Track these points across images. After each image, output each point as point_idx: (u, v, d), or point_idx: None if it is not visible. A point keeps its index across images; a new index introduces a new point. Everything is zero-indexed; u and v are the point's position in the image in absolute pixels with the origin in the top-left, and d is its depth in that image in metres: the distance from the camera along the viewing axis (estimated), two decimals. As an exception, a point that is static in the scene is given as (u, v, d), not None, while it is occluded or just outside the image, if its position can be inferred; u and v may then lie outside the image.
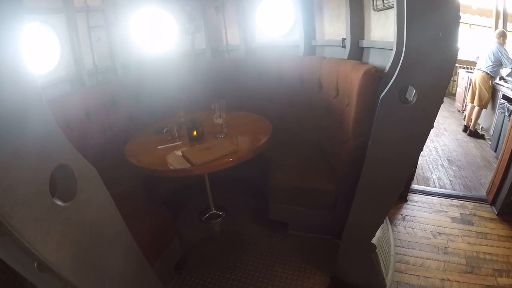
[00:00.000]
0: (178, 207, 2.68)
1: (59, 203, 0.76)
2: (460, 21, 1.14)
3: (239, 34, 3.14)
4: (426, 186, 2.84)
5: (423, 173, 3.11)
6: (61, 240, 0.77)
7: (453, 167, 3.20)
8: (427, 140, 3.82)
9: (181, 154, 1.85)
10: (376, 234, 1.78)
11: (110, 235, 0.98)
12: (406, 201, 2.62)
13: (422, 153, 3.52)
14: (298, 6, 2.70)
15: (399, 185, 1.50)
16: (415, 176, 2.91)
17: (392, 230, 2.30)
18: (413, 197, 2.68)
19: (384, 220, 2.28)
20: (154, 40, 3.02)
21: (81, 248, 0.84)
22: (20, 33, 0.66)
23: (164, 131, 2.18)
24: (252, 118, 2.44)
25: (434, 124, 1.31)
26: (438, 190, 2.75)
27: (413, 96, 1.23)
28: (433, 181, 2.95)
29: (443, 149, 3.74)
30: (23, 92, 0.67)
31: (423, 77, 1.23)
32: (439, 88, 1.20)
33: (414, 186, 2.81)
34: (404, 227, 2.37)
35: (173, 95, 2.80)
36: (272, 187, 2.19)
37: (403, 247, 2.19)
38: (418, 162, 3.30)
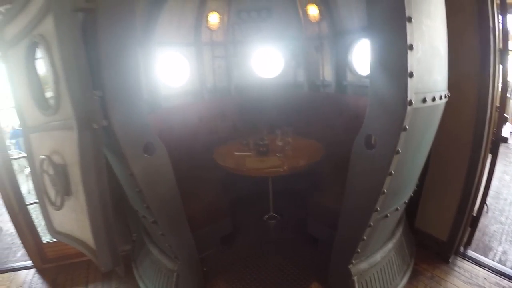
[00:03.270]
0: (248, 205, 3.49)
1: (146, 155, 1.72)
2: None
3: (331, 72, 3.62)
4: (483, 255, 2.60)
5: (488, 241, 2.79)
6: (142, 169, 1.72)
7: (530, 246, 2.72)
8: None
9: (244, 160, 2.69)
10: (362, 274, 2.08)
11: (162, 183, 1.88)
12: (447, 263, 2.52)
13: (503, 220, 3.13)
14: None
15: (357, 235, 1.85)
16: (474, 242, 2.72)
17: (409, 283, 2.34)
18: (459, 262, 2.54)
19: (406, 270, 2.42)
20: (262, 70, 3.90)
21: (145, 172, 1.75)
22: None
23: (244, 143, 3.01)
24: (314, 147, 2.97)
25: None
26: (492, 263, 2.48)
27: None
28: (495, 253, 2.63)
29: (533, 224, 3.11)
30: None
31: (380, 126, 1.55)
32: (391, 137, 1.48)
33: (469, 252, 2.64)
34: (425, 285, 2.33)
35: (269, 115, 3.63)
36: (312, 206, 2.71)
37: (409, 301, 2.21)
38: (489, 228, 2.98)
